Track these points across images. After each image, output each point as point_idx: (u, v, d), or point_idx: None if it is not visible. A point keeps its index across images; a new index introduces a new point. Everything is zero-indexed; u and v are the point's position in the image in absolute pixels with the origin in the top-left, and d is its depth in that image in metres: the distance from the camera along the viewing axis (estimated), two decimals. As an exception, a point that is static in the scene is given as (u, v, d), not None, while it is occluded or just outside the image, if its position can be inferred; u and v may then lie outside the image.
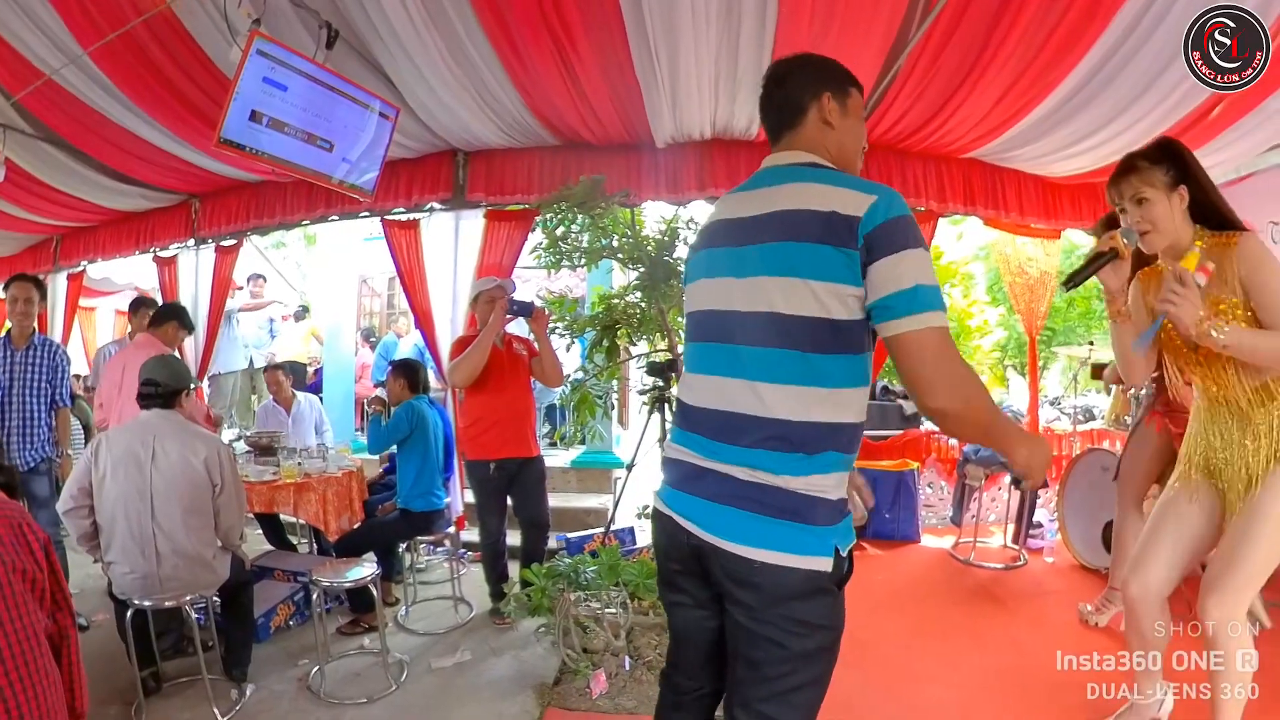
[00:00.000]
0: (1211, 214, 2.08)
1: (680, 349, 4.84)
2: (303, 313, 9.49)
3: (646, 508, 4.45)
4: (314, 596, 3.37)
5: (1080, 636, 3.27)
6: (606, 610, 3.47)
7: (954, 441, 5.58)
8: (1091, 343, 6.24)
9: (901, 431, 5.66)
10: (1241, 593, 2.02)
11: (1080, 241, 7.80)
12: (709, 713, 1.74)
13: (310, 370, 8.81)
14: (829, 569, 1.41)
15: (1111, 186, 2.17)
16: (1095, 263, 2.07)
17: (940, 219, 5.32)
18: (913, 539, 4.84)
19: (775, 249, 1.45)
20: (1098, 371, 4.59)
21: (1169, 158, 2.07)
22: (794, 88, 1.61)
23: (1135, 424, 3.51)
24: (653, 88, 4.05)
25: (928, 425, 6.18)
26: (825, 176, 1.48)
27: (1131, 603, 2.29)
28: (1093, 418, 6.42)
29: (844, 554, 1.44)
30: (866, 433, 5.00)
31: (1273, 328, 1.92)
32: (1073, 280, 2.12)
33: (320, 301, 8.93)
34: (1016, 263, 5.91)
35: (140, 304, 5.16)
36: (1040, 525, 4.70)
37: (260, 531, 4.84)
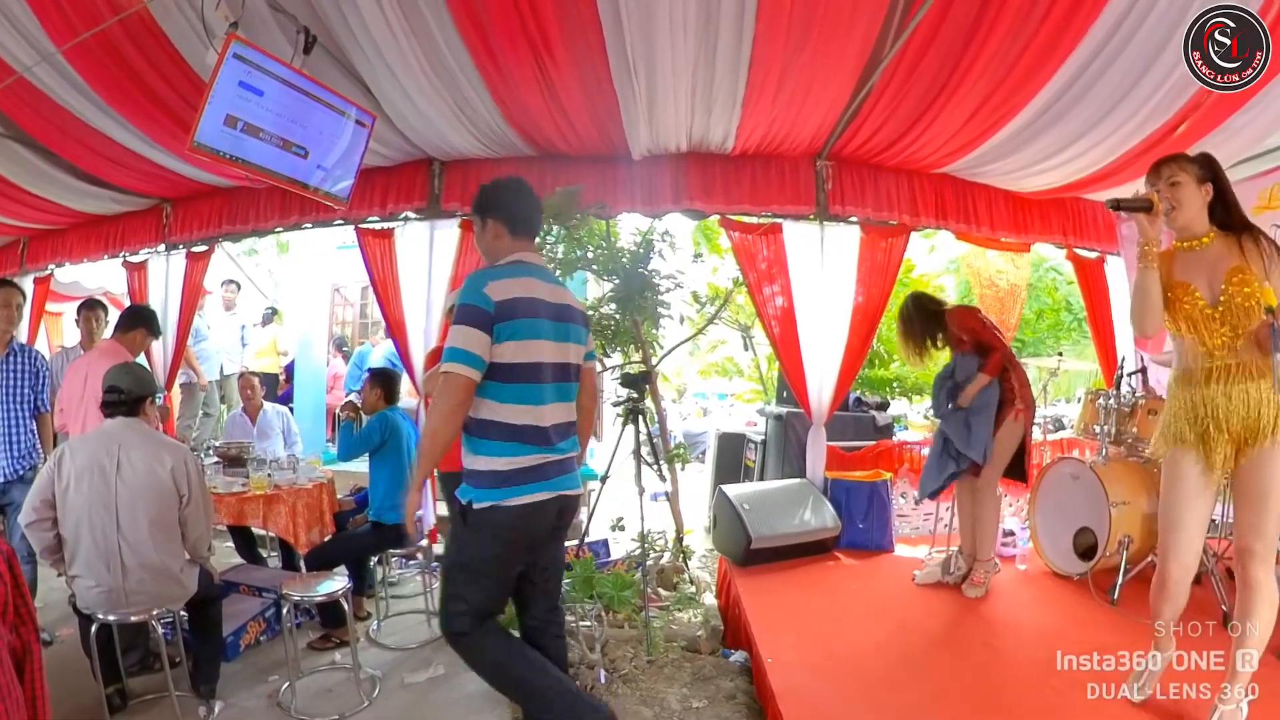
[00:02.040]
0: (1223, 216, 2.53)
1: (654, 361, 4.87)
2: (270, 315, 9.35)
3: (620, 520, 4.45)
4: (284, 611, 3.32)
5: (1054, 640, 3.28)
6: (581, 623, 3.46)
7: (926, 452, 5.64)
8: (1060, 354, 6.35)
9: (874, 443, 5.70)
10: (1272, 551, 2.36)
11: (1048, 254, 7.96)
12: None
13: (281, 379, 8.69)
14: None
15: (1154, 170, 2.56)
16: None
17: (912, 232, 5.38)
18: (886, 549, 4.86)
19: (572, 327, 2.54)
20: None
21: (1206, 162, 2.54)
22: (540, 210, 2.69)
23: (990, 407, 3.96)
24: (630, 100, 4.05)
25: (900, 436, 6.25)
26: (561, 282, 2.72)
27: (1167, 580, 2.53)
28: (1062, 427, 6.53)
29: None
30: (839, 444, 5.07)
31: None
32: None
33: (292, 310, 8.82)
34: (987, 275, 6.03)
35: (89, 305, 5.05)
36: (1013, 533, 4.74)
37: (230, 544, 4.76)
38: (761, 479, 5.83)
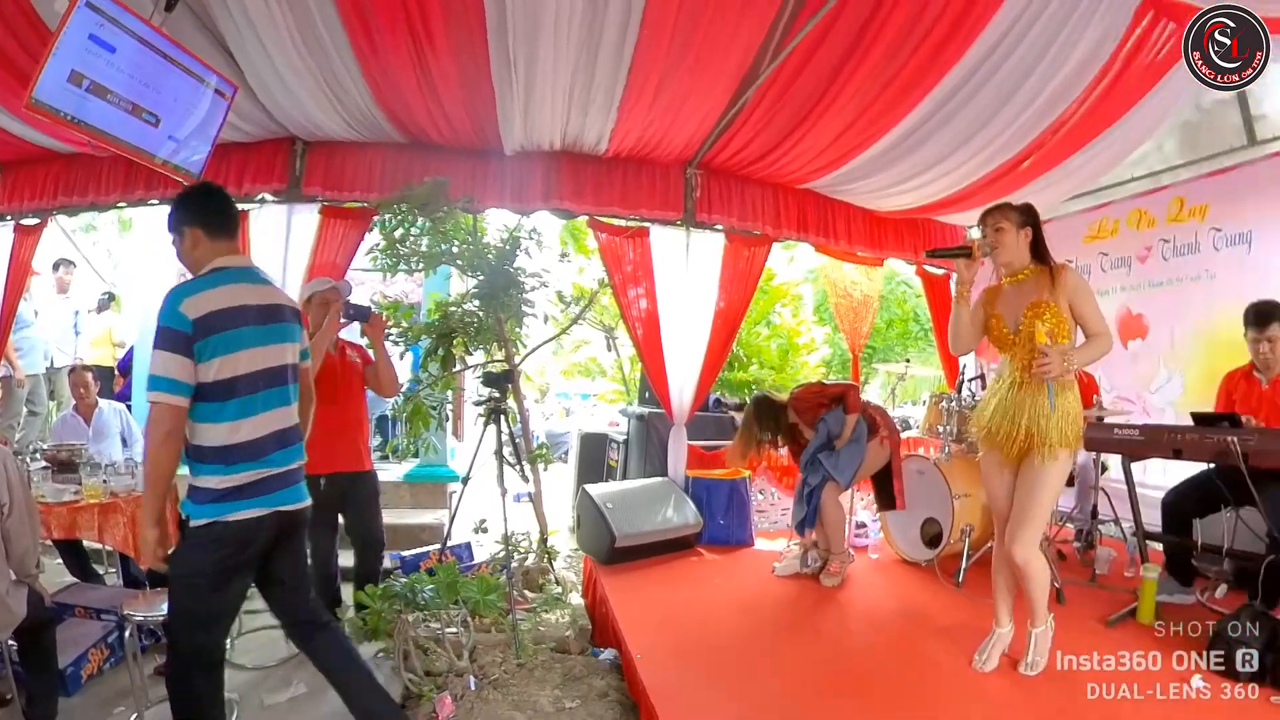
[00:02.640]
0: (1039, 254, 2.93)
1: (517, 360, 4.82)
2: (107, 301, 8.49)
3: (483, 522, 4.38)
4: (127, 635, 3.00)
5: (906, 622, 3.60)
6: (447, 630, 3.37)
7: (783, 451, 5.89)
8: (908, 360, 6.81)
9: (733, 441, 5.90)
10: (1035, 534, 2.84)
11: (899, 269, 8.51)
12: None
13: (116, 374, 7.92)
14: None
15: (983, 217, 2.98)
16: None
17: (774, 243, 5.65)
18: (746, 543, 5.05)
19: (284, 327, 2.48)
20: None
21: (1026, 211, 2.94)
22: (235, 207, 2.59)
23: (863, 440, 4.27)
24: (507, 94, 4.01)
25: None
26: (269, 279, 2.57)
27: (996, 551, 3.03)
28: (909, 427, 6.97)
29: None
30: (699, 443, 5.24)
31: (1091, 334, 2.82)
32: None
33: (133, 295, 8.05)
34: (842, 286, 6.39)
35: None
36: (865, 525, 5.08)
37: (60, 561, 4.29)
38: (624, 478, 5.89)
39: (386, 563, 4.05)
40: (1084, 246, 5.56)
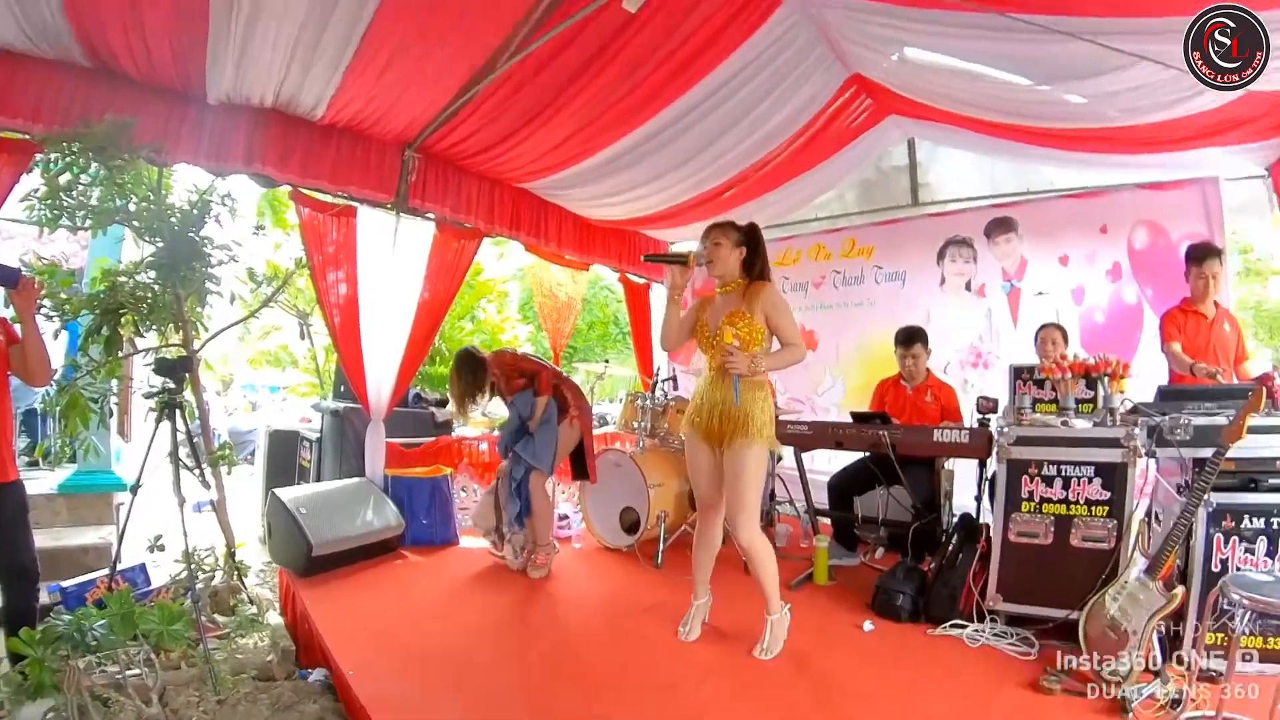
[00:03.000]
0: (755, 272, 3.25)
1: (196, 345, 4.29)
2: None
3: (159, 538, 3.86)
4: None
5: (614, 604, 3.84)
6: (129, 673, 2.88)
7: (484, 447, 5.91)
8: (607, 360, 7.25)
9: (434, 439, 5.80)
10: (752, 518, 3.11)
11: (603, 274, 9.06)
12: None
13: None
14: None
15: (706, 231, 3.28)
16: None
17: (485, 238, 5.64)
18: (451, 542, 4.99)
19: None
20: None
21: (747, 232, 3.28)
22: None
23: (554, 421, 4.44)
24: (223, 32, 3.49)
25: (460, 431, 6.44)
26: None
27: (706, 531, 3.35)
28: (606, 423, 7.41)
29: None
30: (398, 440, 5.14)
31: (784, 344, 3.16)
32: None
33: None
34: (548, 286, 6.63)
35: None
36: (566, 517, 5.31)
37: None
38: (318, 480, 5.51)
39: (44, 597, 3.33)
40: (775, 269, 6.47)
